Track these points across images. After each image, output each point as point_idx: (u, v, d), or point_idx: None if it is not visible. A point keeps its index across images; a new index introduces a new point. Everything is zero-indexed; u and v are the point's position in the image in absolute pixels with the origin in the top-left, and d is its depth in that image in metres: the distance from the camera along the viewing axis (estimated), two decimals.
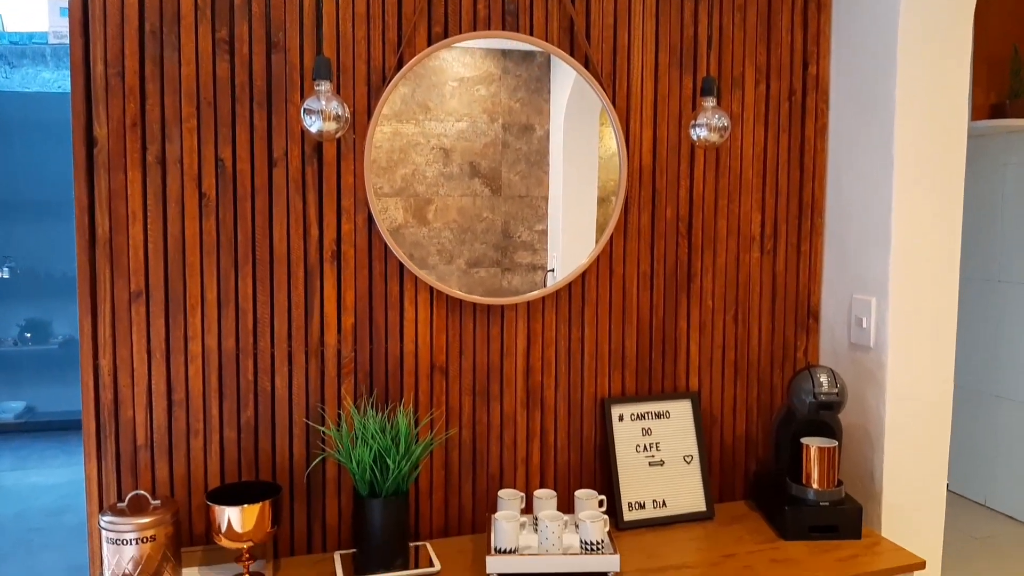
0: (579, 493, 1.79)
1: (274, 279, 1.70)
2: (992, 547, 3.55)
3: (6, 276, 4.06)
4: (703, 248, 2.00)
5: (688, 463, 1.97)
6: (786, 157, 2.06)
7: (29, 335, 4.08)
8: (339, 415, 1.76)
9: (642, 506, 1.92)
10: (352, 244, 1.74)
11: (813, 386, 1.84)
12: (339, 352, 1.75)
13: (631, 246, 1.95)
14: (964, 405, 4.09)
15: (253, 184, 1.68)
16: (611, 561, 1.64)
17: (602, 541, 1.67)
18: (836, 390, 1.83)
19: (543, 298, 1.89)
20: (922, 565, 1.73)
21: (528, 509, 1.90)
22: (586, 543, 1.66)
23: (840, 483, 1.86)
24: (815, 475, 1.85)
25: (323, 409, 1.75)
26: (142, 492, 1.56)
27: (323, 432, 1.74)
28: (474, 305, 1.84)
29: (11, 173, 4.21)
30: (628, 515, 1.90)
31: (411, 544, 1.78)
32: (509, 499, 1.78)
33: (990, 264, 4.06)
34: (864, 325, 1.95)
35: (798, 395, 1.87)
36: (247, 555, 1.60)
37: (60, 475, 3.19)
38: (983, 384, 4.14)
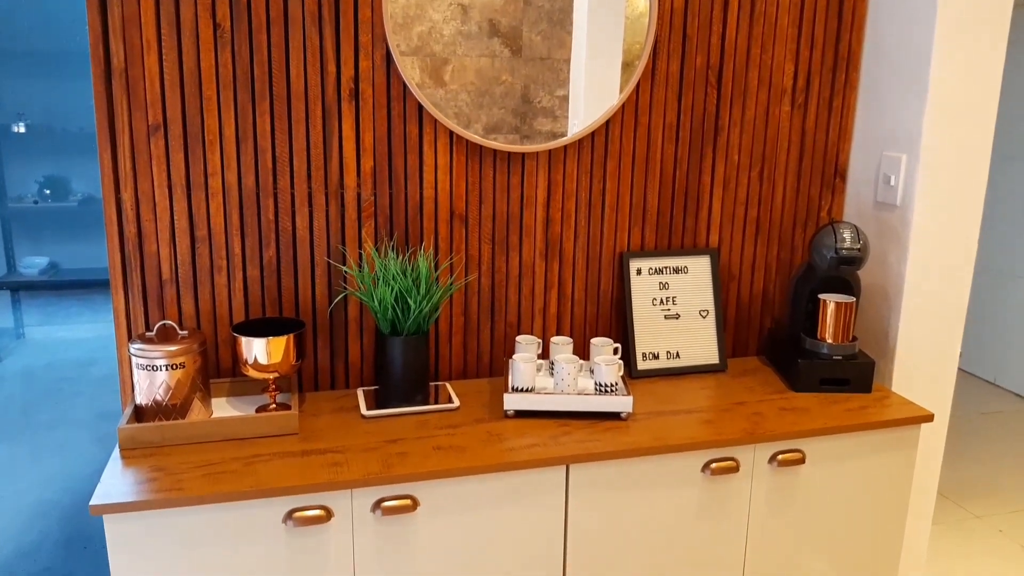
0: (595, 340, 1.82)
1: (292, 117, 1.67)
2: (999, 422, 3.62)
3: (22, 131, 4.03)
4: (732, 100, 1.94)
5: (704, 317, 1.99)
6: (824, 4, 1.96)
7: (48, 192, 4.08)
8: (360, 256, 1.77)
9: (656, 356, 1.95)
10: (370, 83, 1.70)
11: (835, 241, 1.82)
12: (359, 195, 1.75)
13: (658, 95, 1.89)
14: (977, 284, 4.08)
15: (268, 15, 1.62)
16: (624, 402, 1.68)
17: (616, 384, 1.71)
18: (859, 245, 1.82)
19: (565, 147, 1.85)
20: (930, 418, 1.76)
21: (544, 356, 1.94)
22: (600, 385, 1.70)
23: (855, 339, 1.87)
24: (830, 330, 1.86)
25: (344, 250, 1.76)
26: (169, 322, 1.60)
27: (345, 272, 1.76)
28: (494, 152, 1.81)
29: (23, 25, 4.11)
30: (642, 365, 1.94)
31: (431, 384, 1.84)
32: (527, 344, 1.82)
33: (1018, 142, 3.94)
34: (892, 183, 1.91)
35: (819, 251, 1.86)
36: (273, 386, 1.66)
37: (86, 330, 3.26)
38: (998, 263, 4.11)
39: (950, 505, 2.88)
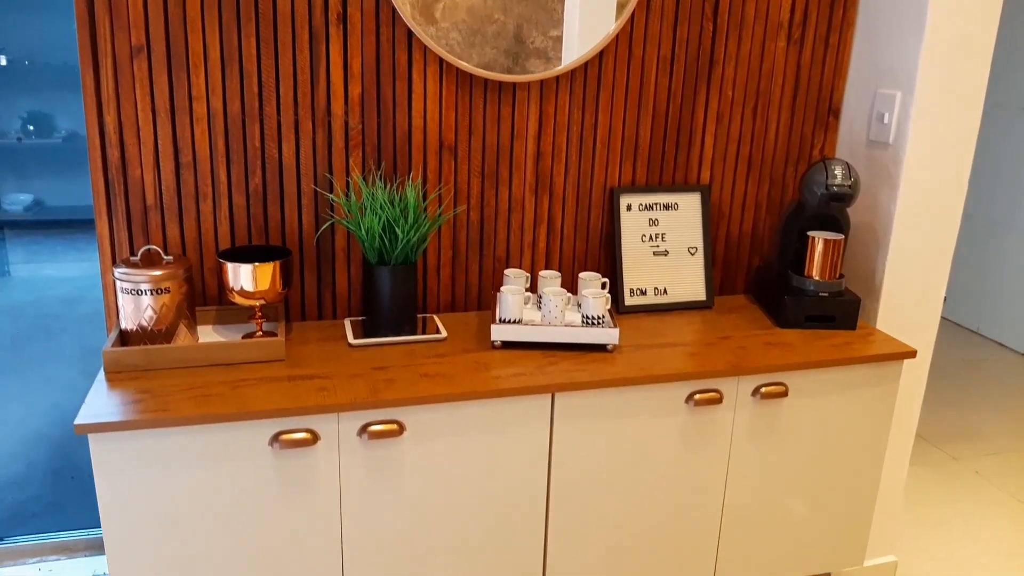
0: (583, 275, 1.82)
1: (278, 40, 1.64)
2: (981, 370, 3.67)
3: (3, 64, 3.94)
4: (728, 33, 1.91)
5: (692, 254, 1.99)
6: None
7: (32, 128, 4.01)
8: (347, 184, 1.75)
9: (643, 292, 1.96)
10: (359, 7, 1.66)
11: (827, 177, 1.81)
12: (346, 123, 1.72)
13: (653, 26, 1.86)
14: (962, 232, 4.10)
15: None
16: (611, 334, 1.69)
17: (603, 316, 1.71)
18: (850, 182, 1.81)
19: (557, 78, 1.83)
20: (913, 354, 1.78)
21: (533, 291, 1.94)
22: (587, 317, 1.71)
23: (841, 276, 1.88)
24: (817, 267, 1.86)
25: (332, 178, 1.74)
26: (154, 247, 1.58)
27: (331, 200, 1.75)
28: (485, 83, 1.78)
29: None
30: (629, 300, 1.94)
31: (419, 315, 1.84)
32: (515, 277, 1.81)
33: (1014, 91, 3.93)
34: (885, 121, 1.89)
35: (810, 187, 1.85)
36: (260, 314, 1.65)
37: (72, 269, 3.24)
38: (984, 211, 4.12)
39: (928, 447, 2.93)
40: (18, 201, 3.74)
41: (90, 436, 1.34)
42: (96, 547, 2.19)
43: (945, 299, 2.02)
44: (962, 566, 2.27)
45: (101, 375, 1.49)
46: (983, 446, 2.96)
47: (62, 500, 2.30)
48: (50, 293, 3.03)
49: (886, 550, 2.17)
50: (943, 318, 4.16)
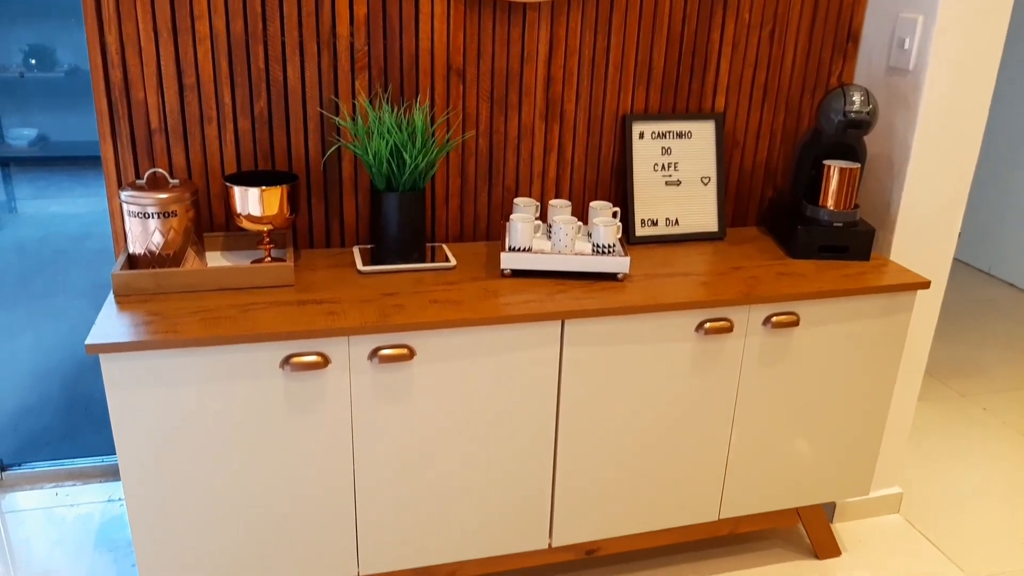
0: (594, 204, 1.80)
1: None
2: (992, 309, 3.65)
3: None
4: None
5: (705, 184, 1.96)
6: None
7: (34, 62, 3.95)
8: (354, 108, 1.72)
9: (655, 223, 1.94)
10: None
11: (844, 104, 1.77)
12: (352, 45, 1.68)
13: None
14: (976, 172, 4.03)
15: None
16: (621, 262, 1.67)
17: (613, 245, 1.69)
18: (868, 108, 1.77)
19: None
20: (926, 285, 1.76)
21: (543, 221, 1.92)
22: (598, 246, 1.69)
23: (856, 206, 1.85)
24: (832, 196, 1.83)
25: (338, 100, 1.71)
26: (160, 170, 1.56)
27: (338, 123, 1.72)
28: (494, 2, 1.73)
29: None
30: (640, 231, 1.92)
31: (428, 244, 1.82)
32: (524, 206, 1.79)
33: None
34: (906, 46, 1.84)
35: (827, 114, 1.81)
36: (268, 239, 1.64)
37: (80, 205, 3.23)
38: (998, 151, 4.05)
39: (936, 383, 2.94)
40: (22, 136, 3.71)
41: (101, 356, 1.34)
42: (111, 474, 2.22)
43: (960, 234, 1.99)
44: (966, 499, 2.29)
45: (111, 298, 1.49)
46: (991, 383, 2.96)
47: (76, 430, 2.33)
48: (58, 229, 3.02)
49: (891, 481, 2.19)
50: (955, 259, 4.13)
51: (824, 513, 2.00)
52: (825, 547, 2.02)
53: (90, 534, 2.01)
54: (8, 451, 2.23)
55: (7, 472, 2.18)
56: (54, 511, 2.09)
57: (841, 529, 2.13)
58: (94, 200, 3.43)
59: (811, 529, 2.01)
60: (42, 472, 2.19)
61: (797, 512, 1.97)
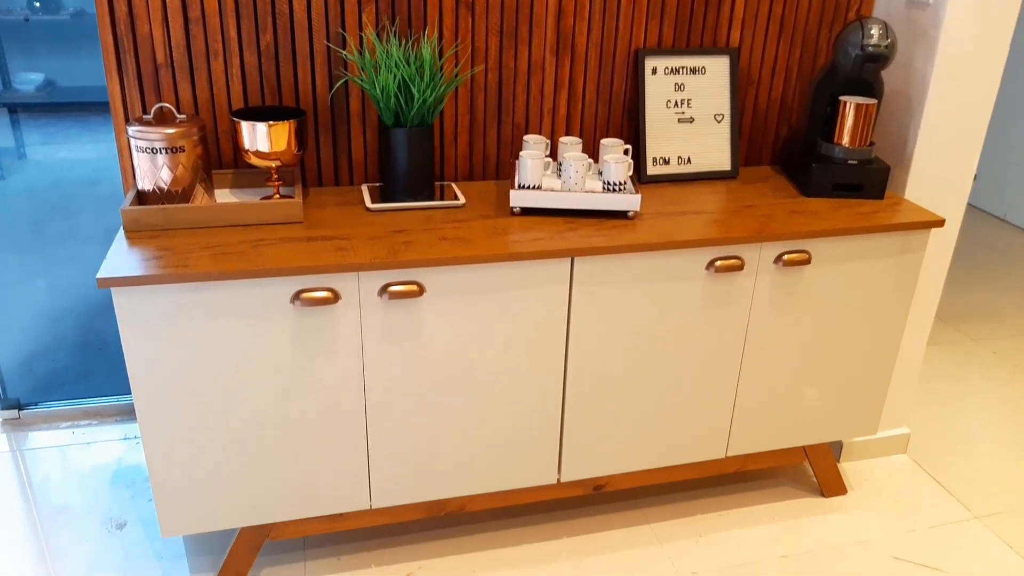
0: (605, 141, 1.77)
1: None
2: (1006, 255, 3.62)
3: None
4: None
5: (719, 122, 1.93)
6: None
7: (38, 4, 3.89)
8: (361, 41, 1.69)
9: (667, 162, 1.91)
10: None
11: (862, 37, 1.73)
12: None
13: None
14: (991, 117, 3.95)
15: None
16: (632, 200, 1.66)
17: (624, 183, 1.68)
18: (887, 42, 1.73)
19: None
20: (941, 223, 1.74)
21: (553, 159, 1.90)
22: (608, 183, 1.67)
23: (872, 144, 1.82)
24: (848, 133, 1.80)
25: (344, 34, 1.68)
26: (166, 104, 1.55)
27: (345, 57, 1.69)
28: None
29: None
30: (652, 169, 1.90)
31: (436, 183, 1.81)
32: (535, 143, 1.77)
33: None
34: None
35: (844, 48, 1.77)
36: (276, 176, 1.63)
37: (89, 151, 3.22)
38: (1014, 94, 3.96)
39: (947, 328, 2.93)
40: (29, 80, 3.68)
41: (113, 291, 1.35)
42: (127, 413, 2.26)
43: (976, 178, 1.96)
44: (974, 440, 2.30)
45: (121, 234, 1.49)
46: (1003, 328, 2.95)
47: (91, 371, 2.35)
48: (68, 175, 3.02)
49: (899, 422, 2.20)
50: (970, 205, 4.08)
51: (831, 452, 2.02)
52: (831, 485, 2.04)
53: (107, 471, 2.05)
54: (25, 391, 2.27)
55: (24, 411, 2.22)
56: (71, 449, 2.13)
57: (848, 468, 2.15)
58: (103, 146, 3.42)
59: (818, 468, 2.02)
60: (58, 411, 2.23)
61: (804, 451, 1.99)
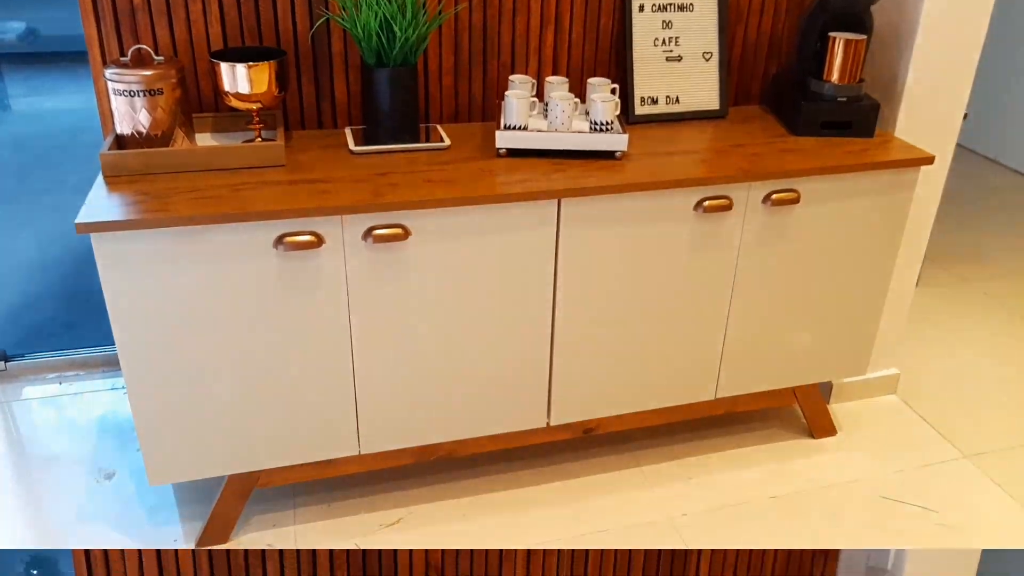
0: (592, 80, 1.74)
1: None
2: (997, 196, 3.61)
3: None
4: None
5: (707, 60, 1.90)
6: None
7: None
8: None
9: (655, 101, 1.88)
10: None
11: None
12: None
13: None
14: (982, 57, 3.91)
15: None
16: (619, 140, 1.64)
17: (611, 122, 1.65)
18: None
19: None
20: (930, 160, 1.72)
21: (540, 99, 1.86)
22: (595, 123, 1.65)
23: (862, 80, 1.79)
24: (837, 70, 1.77)
25: None
26: (144, 47, 1.51)
27: None
28: None
29: None
30: (640, 109, 1.87)
31: (421, 124, 1.78)
32: (520, 82, 1.74)
33: None
34: None
35: None
36: (257, 119, 1.60)
37: (74, 101, 3.15)
38: (1006, 32, 3.91)
39: (937, 269, 2.93)
40: (10, 29, 3.59)
41: (93, 237, 1.33)
42: (114, 363, 2.25)
43: (966, 115, 1.94)
44: (963, 380, 2.32)
45: (100, 180, 1.46)
46: (994, 268, 2.95)
47: (77, 321, 2.34)
48: (53, 125, 2.97)
49: (888, 363, 2.21)
50: (961, 145, 4.05)
51: (820, 393, 2.03)
52: (821, 427, 2.06)
53: (94, 421, 2.05)
54: (10, 343, 2.26)
55: (10, 363, 2.21)
56: (58, 400, 2.13)
57: (837, 409, 2.17)
58: (87, 96, 3.36)
59: (807, 409, 2.04)
60: (45, 362, 2.22)
61: (794, 392, 2.00)
